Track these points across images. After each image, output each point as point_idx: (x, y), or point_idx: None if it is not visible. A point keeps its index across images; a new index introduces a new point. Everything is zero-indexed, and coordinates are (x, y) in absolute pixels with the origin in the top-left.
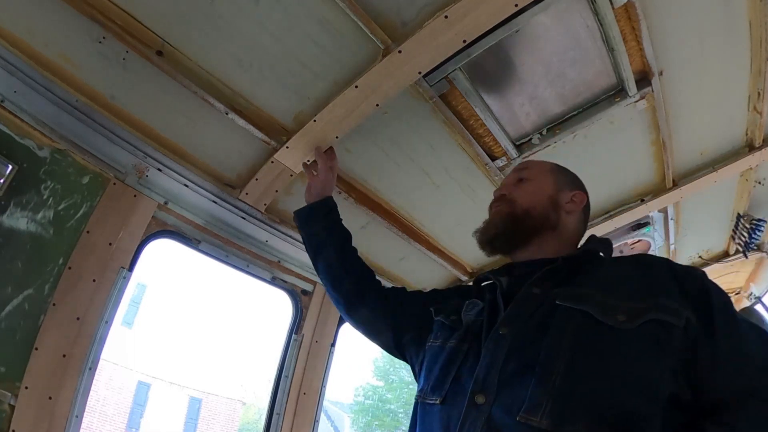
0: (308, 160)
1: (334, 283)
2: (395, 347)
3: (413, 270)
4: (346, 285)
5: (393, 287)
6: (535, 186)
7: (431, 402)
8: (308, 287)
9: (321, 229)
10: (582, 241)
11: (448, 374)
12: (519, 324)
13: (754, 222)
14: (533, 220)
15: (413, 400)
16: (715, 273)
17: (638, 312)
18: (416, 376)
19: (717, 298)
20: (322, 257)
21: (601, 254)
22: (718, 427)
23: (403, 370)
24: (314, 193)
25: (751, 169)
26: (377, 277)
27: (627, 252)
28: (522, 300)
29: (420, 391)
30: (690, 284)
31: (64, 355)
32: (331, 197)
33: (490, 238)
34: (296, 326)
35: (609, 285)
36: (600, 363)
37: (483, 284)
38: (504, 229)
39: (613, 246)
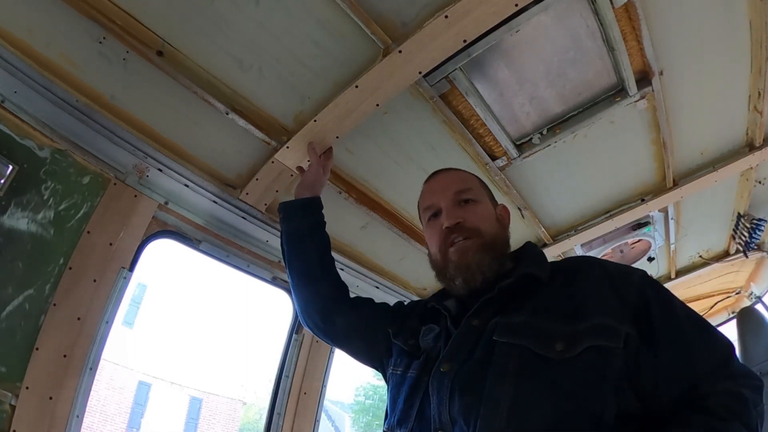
0: (308, 161)
1: (309, 284)
2: (366, 356)
3: (413, 270)
4: (324, 288)
5: (361, 297)
6: (484, 208)
7: None
8: None
9: (306, 227)
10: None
11: (412, 407)
12: (459, 361)
13: (755, 221)
14: (501, 250)
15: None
16: (715, 272)
17: (576, 337)
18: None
19: (657, 303)
20: (302, 255)
21: (538, 274)
22: None
23: None
24: (303, 189)
25: (751, 168)
26: (376, 275)
27: (627, 251)
28: (461, 335)
29: (387, 423)
30: (627, 292)
31: (64, 356)
32: (319, 198)
33: (480, 282)
34: (296, 326)
35: (545, 309)
36: (543, 398)
37: (432, 305)
38: (490, 269)
39: (614, 246)
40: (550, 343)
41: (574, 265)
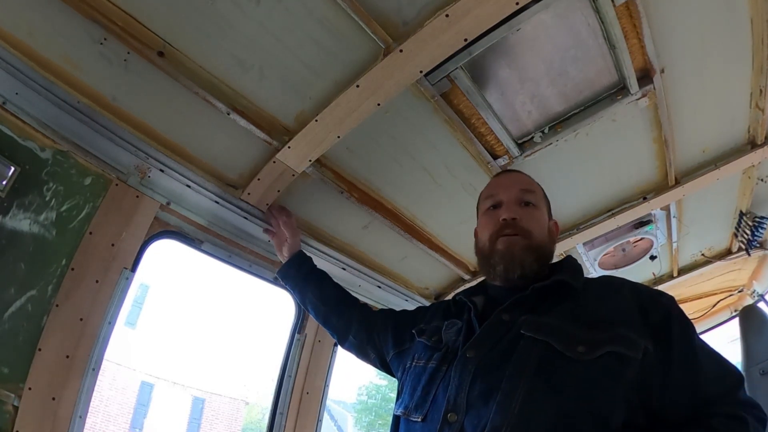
0: (268, 228)
1: (323, 321)
2: (382, 366)
3: (415, 269)
4: (332, 321)
5: (378, 311)
6: (540, 215)
7: (414, 420)
8: None
9: (299, 281)
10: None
11: (428, 394)
12: (485, 349)
13: (757, 219)
14: (545, 257)
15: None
16: (717, 271)
17: (597, 343)
18: (399, 391)
19: (679, 327)
20: (308, 302)
21: (571, 282)
22: None
23: None
24: (285, 252)
25: (753, 166)
26: (378, 275)
27: (629, 250)
28: (490, 326)
29: (404, 408)
30: (654, 313)
31: (67, 356)
32: (300, 251)
33: (518, 276)
34: (299, 326)
35: (573, 315)
36: (557, 393)
37: (460, 298)
38: (530, 268)
39: (615, 244)
40: (573, 345)
41: (607, 280)
